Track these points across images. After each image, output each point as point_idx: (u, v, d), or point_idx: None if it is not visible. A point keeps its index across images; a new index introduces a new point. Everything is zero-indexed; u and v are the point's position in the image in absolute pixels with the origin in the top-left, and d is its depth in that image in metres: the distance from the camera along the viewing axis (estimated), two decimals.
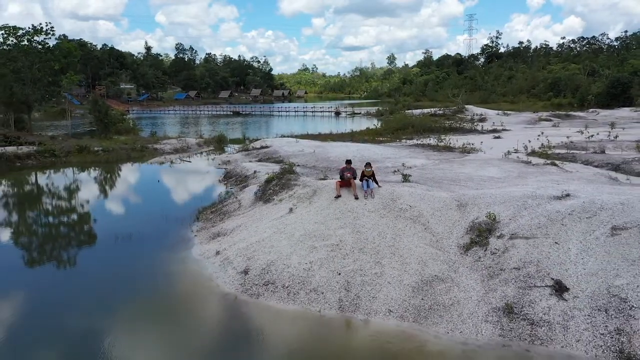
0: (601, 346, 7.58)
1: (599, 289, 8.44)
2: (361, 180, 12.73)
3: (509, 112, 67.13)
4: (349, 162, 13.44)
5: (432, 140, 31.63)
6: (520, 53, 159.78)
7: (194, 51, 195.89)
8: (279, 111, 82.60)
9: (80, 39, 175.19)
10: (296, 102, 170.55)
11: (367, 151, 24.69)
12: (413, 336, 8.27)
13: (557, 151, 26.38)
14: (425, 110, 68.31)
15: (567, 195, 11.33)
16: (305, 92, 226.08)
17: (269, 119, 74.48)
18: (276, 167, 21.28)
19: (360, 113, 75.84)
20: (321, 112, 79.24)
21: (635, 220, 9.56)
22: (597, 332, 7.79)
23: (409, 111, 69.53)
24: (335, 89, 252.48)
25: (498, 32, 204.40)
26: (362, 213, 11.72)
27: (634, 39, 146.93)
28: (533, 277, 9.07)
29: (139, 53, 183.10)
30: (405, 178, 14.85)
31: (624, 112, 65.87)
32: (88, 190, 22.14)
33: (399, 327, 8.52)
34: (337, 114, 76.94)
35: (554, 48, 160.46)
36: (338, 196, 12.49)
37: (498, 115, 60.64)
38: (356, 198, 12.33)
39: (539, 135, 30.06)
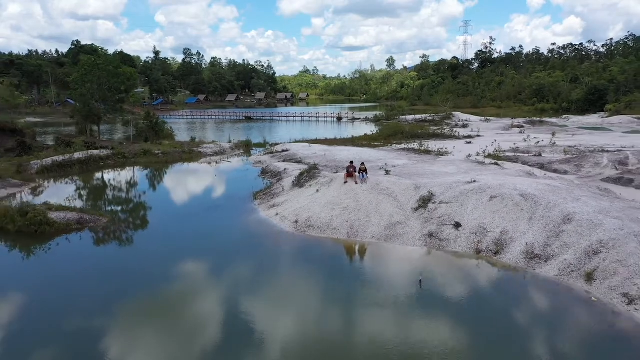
0: (469, 247, 16.33)
1: (475, 225, 17.17)
2: (359, 172, 21.42)
3: (490, 118, 75.60)
4: (351, 162, 22.21)
5: (416, 145, 40.25)
6: (512, 59, 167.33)
7: (200, 56, 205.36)
8: (287, 116, 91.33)
9: (92, 44, 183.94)
10: (299, 104, 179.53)
11: (364, 154, 33.32)
12: (384, 247, 17.01)
13: (508, 154, 35.11)
14: (417, 117, 76.94)
15: (474, 181, 20.08)
16: (307, 95, 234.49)
17: (278, 123, 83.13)
18: (299, 166, 29.97)
19: (359, 118, 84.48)
20: (325, 117, 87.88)
21: (501, 193, 18.29)
22: (469, 242, 16.54)
23: (403, 117, 78.15)
24: (336, 91, 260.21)
25: (491, 38, 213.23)
26: (359, 191, 20.44)
27: (619, 46, 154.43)
28: (446, 221, 17.81)
29: (147, 57, 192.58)
30: (387, 172, 23.57)
31: (592, 118, 74.45)
32: (172, 181, 31.44)
33: (376, 243, 17.28)
34: (339, 119, 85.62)
35: (545, 53, 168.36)
36: (345, 182, 21.20)
37: (480, 122, 69.20)
38: (356, 183, 21.02)
39: (492, 142, 38.76)
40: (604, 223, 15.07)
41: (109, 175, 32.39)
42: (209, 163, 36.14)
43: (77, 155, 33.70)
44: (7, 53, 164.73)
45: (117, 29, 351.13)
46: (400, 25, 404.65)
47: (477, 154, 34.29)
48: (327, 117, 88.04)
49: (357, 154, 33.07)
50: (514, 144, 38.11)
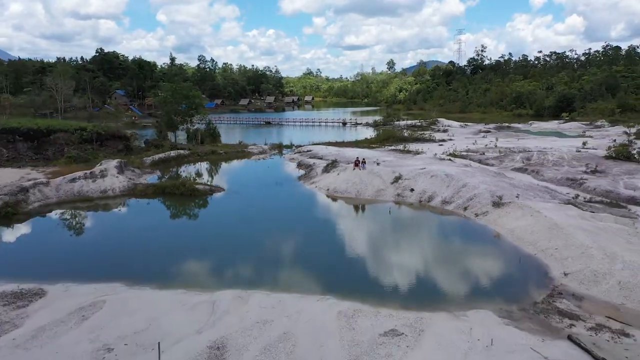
0: (416, 200, 32.83)
1: (421, 189, 33.63)
2: (361, 163, 37.80)
3: (468, 123, 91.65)
4: (357, 157, 38.69)
5: (401, 147, 56.50)
6: (501, 66, 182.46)
7: (214, 62, 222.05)
8: (300, 121, 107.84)
9: (114, 51, 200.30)
10: (304, 107, 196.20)
11: (364, 153, 49.60)
12: (374, 200, 33.55)
13: (462, 153, 51.40)
14: (409, 122, 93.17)
15: (424, 168, 36.53)
16: (312, 98, 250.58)
17: (293, 128, 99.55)
18: (322, 161, 46.27)
19: (361, 123, 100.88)
20: (332, 122, 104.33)
21: (436, 173, 34.70)
22: (417, 197, 33.04)
23: (397, 122, 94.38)
24: (339, 93, 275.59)
25: (483, 46, 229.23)
26: (361, 174, 36.84)
27: (598, 55, 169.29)
28: (407, 188, 34.27)
29: (164, 63, 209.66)
30: (378, 164, 39.98)
31: (552, 124, 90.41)
32: (242, 170, 47.90)
33: (370, 198, 33.83)
34: (344, 124, 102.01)
35: (532, 60, 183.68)
36: (354, 169, 37.59)
37: (459, 127, 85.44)
38: (360, 169, 37.39)
39: (452, 145, 55.23)
40: (480, 187, 31.51)
41: (196, 167, 48.84)
42: (258, 159, 52.64)
43: (172, 153, 50.17)
44: (38, 60, 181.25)
45: (118, 28, 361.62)
46: (402, 25, 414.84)
47: (443, 153, 50.50)
48: (333, 122, 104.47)
49: (360, 152, 49.46)
50: (466, 146, 54.54)
